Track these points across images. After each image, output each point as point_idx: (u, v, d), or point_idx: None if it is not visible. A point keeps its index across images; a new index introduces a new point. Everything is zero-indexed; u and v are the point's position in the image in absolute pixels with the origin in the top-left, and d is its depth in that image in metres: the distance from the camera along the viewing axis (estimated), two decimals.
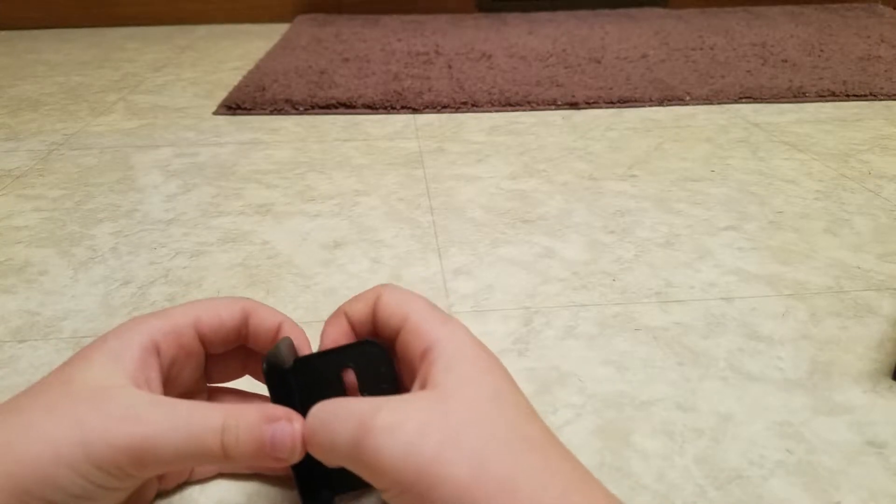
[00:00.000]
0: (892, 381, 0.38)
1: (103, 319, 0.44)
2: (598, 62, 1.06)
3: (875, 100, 0.89)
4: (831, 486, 0.31)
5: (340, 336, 0.29)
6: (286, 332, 0.29)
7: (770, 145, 0.74)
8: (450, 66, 1.05)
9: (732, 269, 0.49)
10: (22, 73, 1.07)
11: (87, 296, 0.46)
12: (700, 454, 0.33)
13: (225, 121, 0.83)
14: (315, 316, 0.44)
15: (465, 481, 0.21)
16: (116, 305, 0.45)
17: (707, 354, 0.40)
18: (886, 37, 1.21)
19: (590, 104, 0.87)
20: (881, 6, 1.51)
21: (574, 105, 0.87)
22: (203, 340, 0.29)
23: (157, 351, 0.27)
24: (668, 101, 0.88)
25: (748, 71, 1.00)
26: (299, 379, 0.28)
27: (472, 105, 0.87)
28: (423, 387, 0.25)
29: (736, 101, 0.88)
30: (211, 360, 0.31)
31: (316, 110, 0.86)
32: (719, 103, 0.88)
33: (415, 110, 0.86)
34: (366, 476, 0.23)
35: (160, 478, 0.30)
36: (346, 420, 0.23)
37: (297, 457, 0.25)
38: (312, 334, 0.30)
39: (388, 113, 0.85)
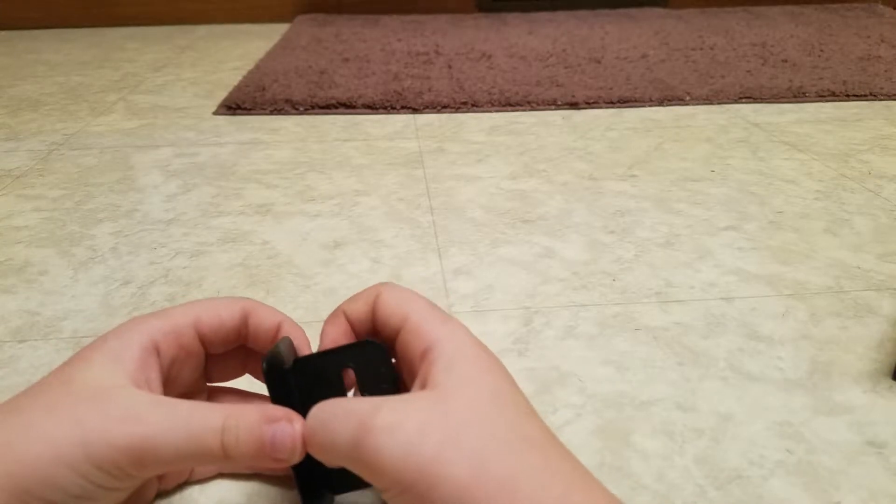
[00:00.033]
0: (892, 381, 0.38)
1: (103, 319, 0.44)
2: (598, 62, 1.06)
3: (875, 100, 0.89)
4: (831, 486, 0.31)
5: (340, 335, 0.29)
6: (286, 331, 0.29)
7: (770, 145, 0.74)
8: (450, 66, 1.05)
9: (732, 269, 0.49)
10: (22, 73, 1.07)
11: (87, 296, 0.46)
12: (700, 454, 0.33)
13: (225, 121, 0.83)
14: (315, 316, 0.44)
15: (466, 481, 0.21)
16: (116, 305, 0.45)
17: (707, 354, 0.40)
18: (886, 37, 1.21)
19: (590, 104, 0.87)
20: (881, 6, 1.51)
21: (574, 105, 0.87)
22: (203, 340, 0.29)
23: (157, 351, 0.27)
24: (668, 101, 0.88)
25: (748, 71, 1.00)
26: (299, 379, 0.28)
27: (472, 105, 0.87)
28: (423, 387, 0.25)
29: (736, 101, 0.88)
30: (211, 360, 0.31)
31: (316, 110, 0.86)
32: (719, 103, 0.88)
33: (415, 110, 0.86)
34: (366, 476, 0.23)
35: (160, 478, 0.30)
36: (345, 420, 0.23)
37: (297, 457, 0.25)
38: (312, 334, 0.30)
39: (388, 113, 0.85)
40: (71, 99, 0.92)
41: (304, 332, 0.30)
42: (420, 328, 0.26)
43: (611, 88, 0.91)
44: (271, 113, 0.85)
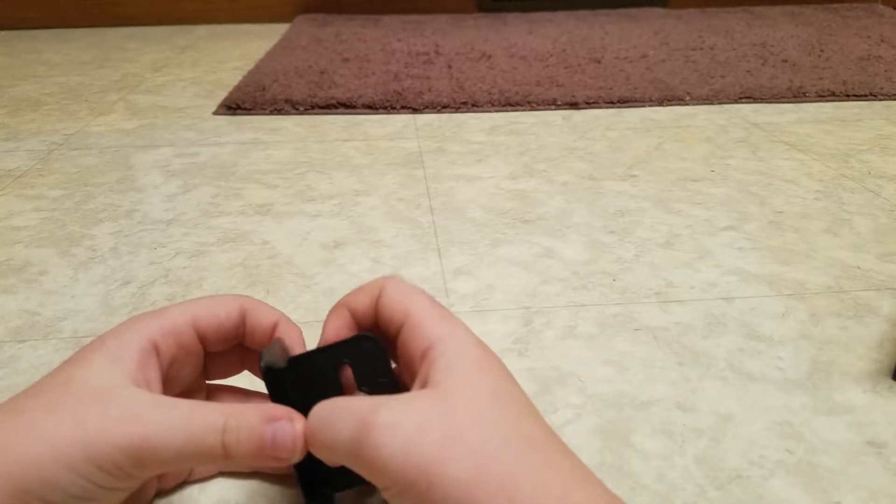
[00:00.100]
0: (892, 381, 0.38)
1: (103, 319, 0.44)
2: (598, 62, 1.06)
3: (875, 100, 0.89)
4: (831, 486, 0.31)
5: (342, 327, 0.29)
6: (282, 330, 0.29)
7: (770, 145, 0.74)
8: (450, 66, 1.05)
9: (732, 269, 0.49)
10: (22, 73, 1.07)
11: (87, 296, 0.46)
12: (700, 454, 0.33)
13: (225, 121, 0.83)
14: (315, 316, 0.44)
15: (466, 480, 0.21)
16: (116, 305, 0.45)
17: (707, 354, 0.40)
18: (886, 37, 1.21)
19: (590, 104, 0.87)
20: (881, 6, 1.51)
21: (574, 105, 0.87)
22: (202, 339, 0.29)
23: (157, 351, 0.27)
24: (668, 101, 0.88)
25: (748, 71, 1.00)
26: (296, 377, 0.28)
27: (472, 105, 0.87)
28: (423, 385, 0.25)
29: (736, 101, 0.88)
30: (209, 358, 0.31)
31: (316, 110, 0.86)
32: (719, 103, 0.88)
33: (415, 110, 0.86)
34: (367, 475, 0.23)
35: (160, 477, 0.30)
36: (346, 418, 0.23)
37: (297, 456, 0.25)
38: (312, 334, 0.30)
39: (388, 113, 0.85)
40: (71, 99, 0.92)
41: (300, 331, 0.30)
42: (421, 326, 0.26)
43: (611, 88, 0.91)
44: (271, 113, 0.85)
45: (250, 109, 0.86)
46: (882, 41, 1.18)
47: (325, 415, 0.24)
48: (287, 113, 0.85)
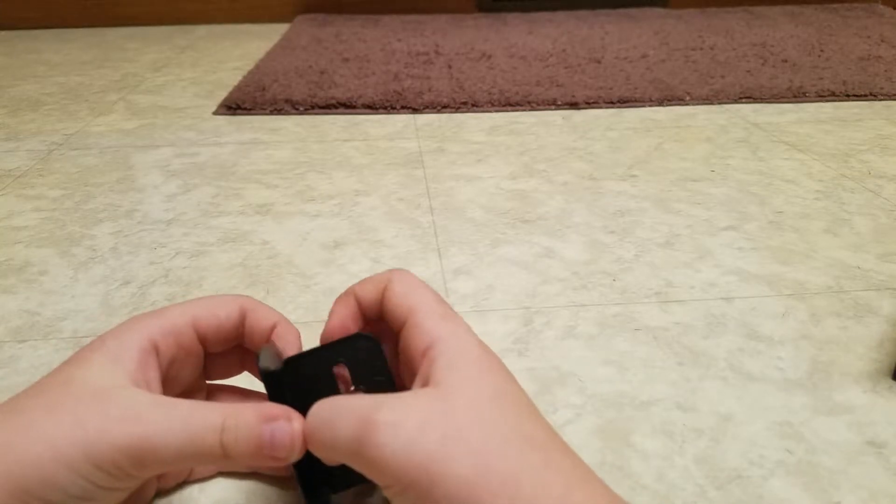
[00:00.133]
0: (892, 381, 0.38)
1: (103, 319, 0.44)
2: (598, 62, 1.06)
3: (875, 100, 0.89)
4: (831, 486, 0.31)
5: (347, 316, 0.29)
6: (281, 332, 0.29)
7: (770, 145, 0.74)
8: (450, 66, 1.05)
9: (732, 269, 0.49)
10: (22, 73, 1.07)
11: (87, 296, 0.46)
12: (700, 454, 0.33)
13: (225, 121, 0.83)
14: (315, 316, 0.44)
15: (468, 478, 0.21)
16: (116, 305, 0.45)
17: (707, 354, 0.40)
18: (886, 37, 1.21)
19: (590, 104, 0.87)
20: (881, 6, 1.51)
21: (574, 105, 0.87)
22: (202, 339, 0.29)
23: (157, 351, 0.27)
24: (668, 101, 0.88)
25: (748, 71, 1.00)
26: (293, 378, 0.28)
27: (472, 105, 0.87)
28: (424, 384, 0.25)
29: (736, 101, 0.88)
30: (209, 358, 0.31)
31: (316, 110, 0.86)
32: (719, 103, 0.88)
33: (415, 110, 0.86)
34: (368, 473, 0.23)
35: (160, 477, 0.30)
36: (347, 417, 0.23)
37: (295, 456, 0.25)
38: (313, 335, 0.30)
39: (388, 113, 0.85)
40: (71, 99, 0.92)
41: (298, 333, 0.30)
42: (422, 325, 0.26)
43: (611, 88, 0.91)
44: (271, 113, 0.85)
45: (250, 109, 0.86)
46: (882, 41, 1.18)
47: (325, 414, 0.24)
48: (287, 113, 0.85)
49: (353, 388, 0.28)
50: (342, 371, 0.28)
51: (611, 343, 0.41)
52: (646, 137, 0.76)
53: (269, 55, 1.13)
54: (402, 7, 1.56)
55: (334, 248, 0.53)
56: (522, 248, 0.52)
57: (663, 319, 0.43)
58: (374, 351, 0.28)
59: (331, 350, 0.28)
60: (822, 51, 1.12)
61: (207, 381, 0.32)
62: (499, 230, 0.55)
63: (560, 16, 1.48)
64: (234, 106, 0.86)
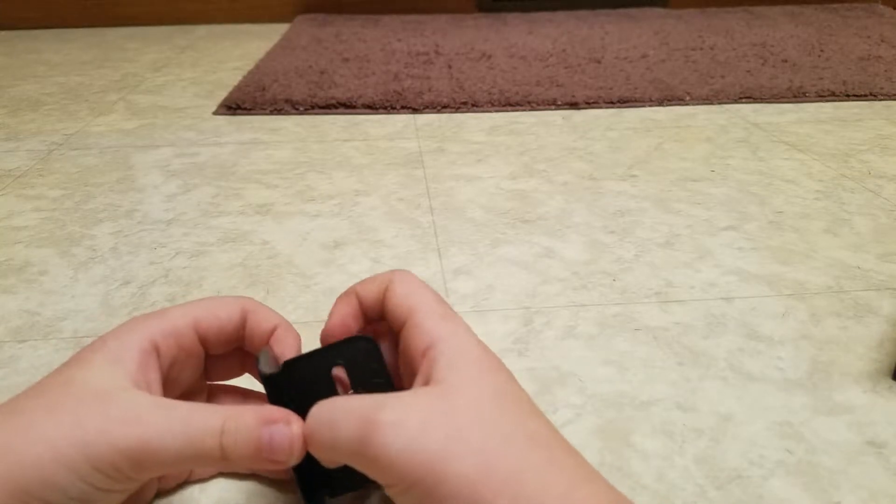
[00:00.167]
0: (892, 381, 0.38)
1: (103, 319, 0.44)
2: (598, 62, 1.06)
3: (875, 100, 0.89)
4: (831, 486, 0.31)
5: (349, 315, 0.29)
6: (281, 335, 0.29)
7: (770, 145, 0.74)
8: (450, 66, 1.05)
9: (732, 269, 0.49)
10: (22, 73, 1.07)
11: (87, 296, 0.46)
12: (700, 454, 0.33)
13: (225, 121, 0.83)
14: (315, 316, 0.44)
15: (472, 477, 0.21)
16: (116, 305, 0.45)
17: (707, 354, 0.40)
18: (886, 37, 1.21)
19: (590, 104, 0.87)
20: (881, 6, 1.51)
21: (574, 105, 0.87)
22: (203, 341, 0.29)
23: (157, 352, 0.27)
24: (668, 101, 0.88)
25: (748, 71, 1.00)
26: (292, 381, 0.28)
27: (472, 105, 0.87)
28: (425, 384, 0.25)
29: (736, 101, 0.88)
30: (210, 359, 0.31)
31: (316, 110, 0.86)
32: (719, 103, 0.88)
33: (415, 110, 0.86)
34: (371, 473, 0.23)
35: (160, 477, 0.30)
36: (348, 417, 0.23)
37: (295, 459, 0.25)
38: (313, 335, 0.30)
39: (388, 113, 0.85)
40: (71, 99, 0.92)
41: (298, 336, 0.30)
42: (423, 325, 0.26)
43: (611, 88, 0.91)
44: (271, 113, 0.85)
45: (250, 109, 0.86)
46: (882, 41, 1.18)
47: (325, 415, 0.24)
48: (287, 113, 0.85)
49: (351, 390, 0.28)
50: (340, 373, 0.28)
51: (611, 343, 0.41)
52: (646, 137, 0.76)
53: (269, 55, 1.13)
54: (402, 7, 1.56)
55: (334, 248, 0.53)
56: (522, 248, 0.52)
57: (663, 319, 0.43)
58: (372, 353, 0.28)
59: (329, 352, 0.28)
60: (822, 51, 1.12)
61: (208, 383, 0.32)
62: (499, 230, 0.55)
63: (560, 16, 1.48)
64: (234, 106, 0.86)
